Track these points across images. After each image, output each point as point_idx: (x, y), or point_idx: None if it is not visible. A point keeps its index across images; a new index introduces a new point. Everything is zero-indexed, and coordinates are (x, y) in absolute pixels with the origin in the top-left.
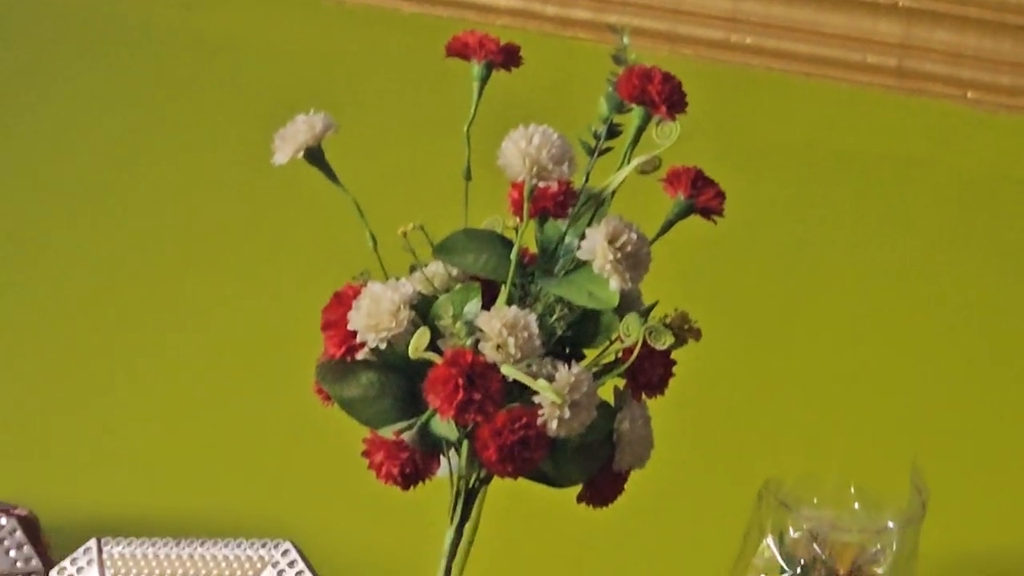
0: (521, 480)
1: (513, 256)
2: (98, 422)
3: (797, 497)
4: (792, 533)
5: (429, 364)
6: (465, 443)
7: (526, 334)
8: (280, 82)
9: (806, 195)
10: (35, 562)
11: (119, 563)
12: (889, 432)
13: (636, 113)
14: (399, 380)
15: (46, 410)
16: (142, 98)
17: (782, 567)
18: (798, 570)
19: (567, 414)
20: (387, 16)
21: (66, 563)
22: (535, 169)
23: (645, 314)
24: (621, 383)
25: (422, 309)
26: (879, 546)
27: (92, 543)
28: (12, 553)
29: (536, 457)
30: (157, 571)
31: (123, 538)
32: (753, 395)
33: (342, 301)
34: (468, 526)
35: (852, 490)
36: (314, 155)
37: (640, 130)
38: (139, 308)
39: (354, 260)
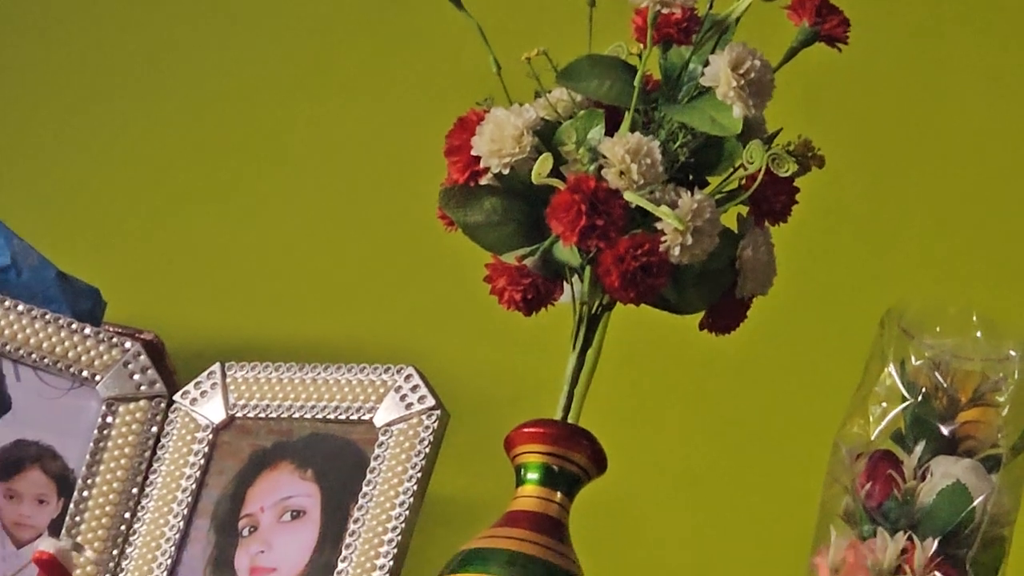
0: (643, 306)
1: (636, 82)
2: (223, 247)
3: (919, 325)
4: (914, 361)
5: (552, 190)
6: (587, 269)
7: (649, 160)
8: None
9: (933, 21)
10: (159, 386)
11: (243, 387)
12: (1012, 260)
13: None
14: (522, 206)
15: (172, 236)
16: None
17: (903, 395)
18: (919, 398)
19: (689, 240)
20: None
21: (190, 387)
22: None
23: (768, 141)
24: (744, 210)
25: (545, 135)
26: (1001, 375)
27: (216, 367)
28: (137, 377)
29: (658, 283)
30: (280, 395)
31: (247, 363)
32: (877, 223)
33: (466, 127)
34: (590, 352)
35: (974, 318)
36: None
37: None
38: (265, 133)
39: (478, 86)
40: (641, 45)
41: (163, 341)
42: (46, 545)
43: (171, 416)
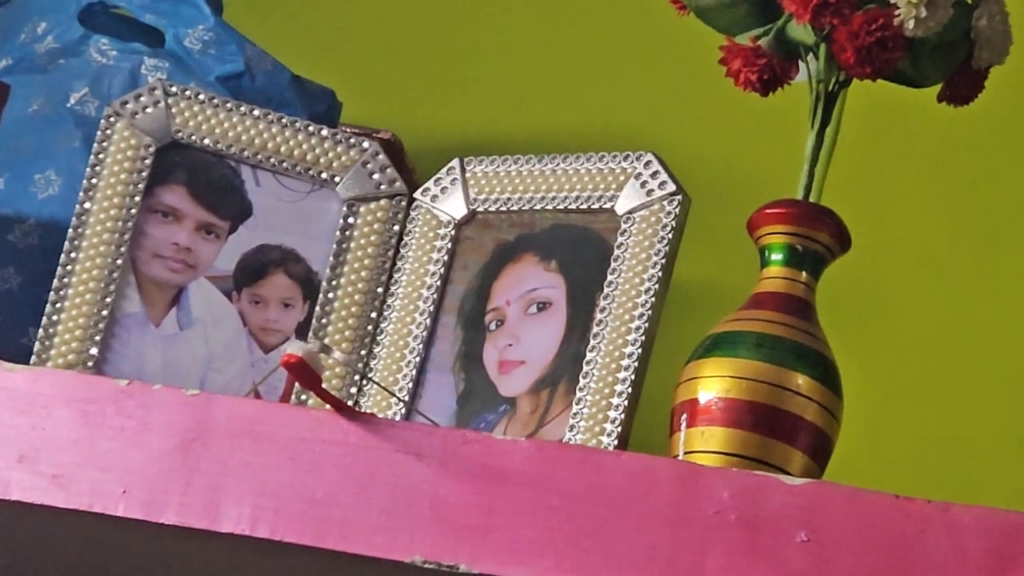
0: (880, 81)
1: None
2: (454, 42)
3: None
4: None
5: None
6: (822, 47)
7: None
8: None
9: None
10: (399, 184)
11: (482, 181)
12: None
13: None
14: None
15: (403, 33)
16: None
17: None
18: None
19: (923, 13)
20: None
21: (430, 184)
22: None
23: None
24: None
25: None
26: None
27: (455, 163)
28: (376, 176)
29: (894, 58)
30: (520, 188)
31: (485, 157)
32: None
33: None
34: (829, 130)
35: None
36: None
37: None
38: None
39: None
40: None
41: (400, 140)
42: (294, 348)
43: (412, 214)
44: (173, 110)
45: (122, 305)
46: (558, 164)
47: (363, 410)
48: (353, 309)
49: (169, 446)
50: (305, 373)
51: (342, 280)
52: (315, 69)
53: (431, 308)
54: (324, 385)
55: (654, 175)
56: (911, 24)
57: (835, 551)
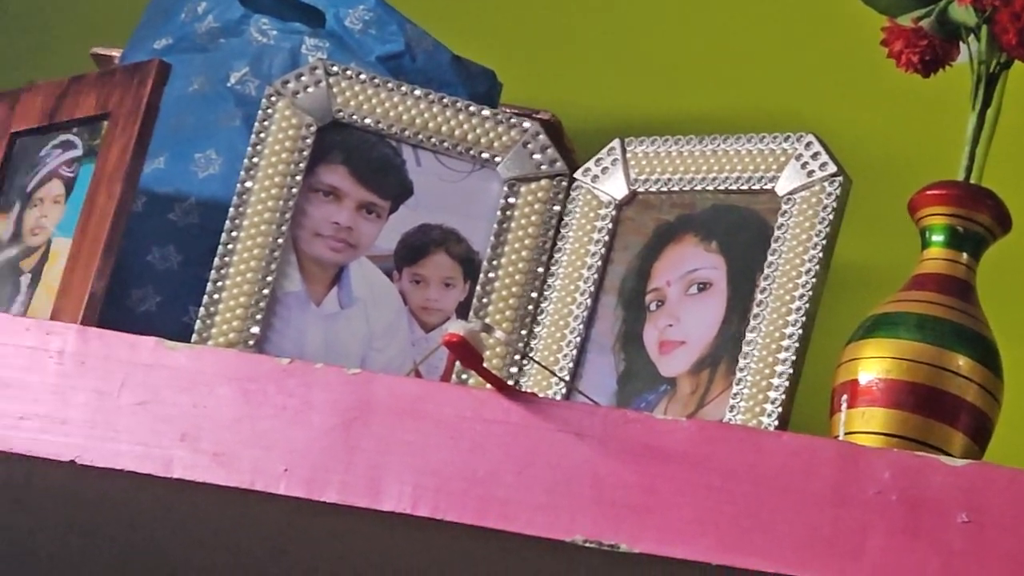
0: None
1: None
2: (616, 21)
3: None
4: None
5: None
6: (984, 28)
7: None
8: None
9: None
10: (560, 164)
11: (643, 162)
12: None
13: None
14: None
15: (565, 13)
16: None
17: None
18: None
19: None
20: None
21: (591, 164)
22: None
23: None
24: None
25: None
26: None
27: (616, 143)
28: (536, 156)
29: None
30: (681, 168)
31: (646, 137)
32: None
33: None
34: (990, 112)
35: None
36: None
37: None
38: None
39: None
40: None
41: (560, 120)
42: (455, 327)
43: (573, 194)
44: (334, 90)
45: (283, 284)
46: (719, 145)
47: (524, 389)
48: (514, 289)
49: (330, 425)
50: (467, 352)
51: (503, 260)
52: (475, 49)
53: (591, 288)
54: (485, 364)
55: (815, 156)
56: None
57: (996, 532)
